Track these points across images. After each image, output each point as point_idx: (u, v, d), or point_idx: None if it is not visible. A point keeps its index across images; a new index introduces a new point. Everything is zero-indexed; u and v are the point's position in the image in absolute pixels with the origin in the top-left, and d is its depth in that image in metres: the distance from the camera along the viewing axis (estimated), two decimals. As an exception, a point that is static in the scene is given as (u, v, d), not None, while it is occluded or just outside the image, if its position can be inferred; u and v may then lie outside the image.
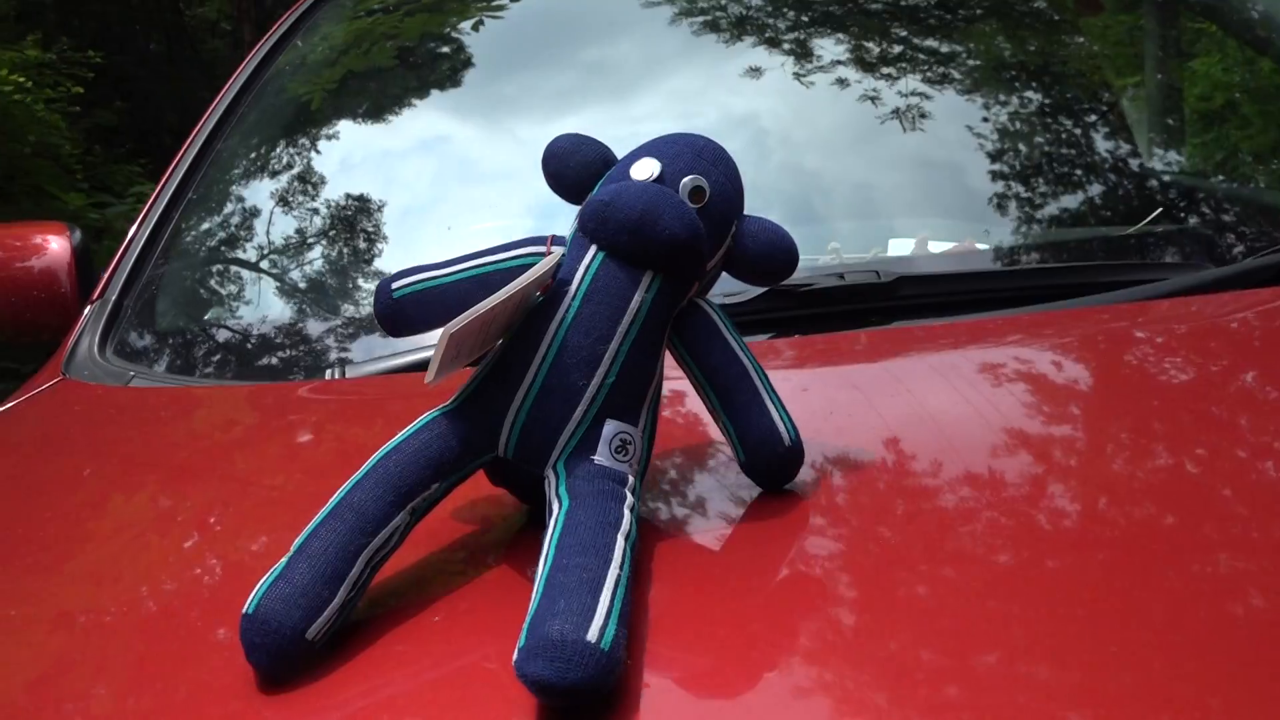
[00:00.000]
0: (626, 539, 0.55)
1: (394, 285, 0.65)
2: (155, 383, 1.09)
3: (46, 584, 0.73)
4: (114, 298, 1.23)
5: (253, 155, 1.54)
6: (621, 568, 0.52)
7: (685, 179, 0.63)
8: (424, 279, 0.65)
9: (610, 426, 0.60)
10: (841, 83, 1.38)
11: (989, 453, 0.72)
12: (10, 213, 3.64)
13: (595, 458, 0.59)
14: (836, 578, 0.58)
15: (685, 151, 0.65)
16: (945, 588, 0.55)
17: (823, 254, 1.16)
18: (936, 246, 1.17)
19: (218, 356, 1.19)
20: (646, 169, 0.64)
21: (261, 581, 0.54)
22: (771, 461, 0.62)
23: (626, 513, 0.57)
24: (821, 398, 0.84)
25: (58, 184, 3.48)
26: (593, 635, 0.47)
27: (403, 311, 0.65)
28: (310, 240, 1.37)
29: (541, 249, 0.65)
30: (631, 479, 0.60)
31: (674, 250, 0.61)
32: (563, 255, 0.63)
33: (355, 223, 1.39)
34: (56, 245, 1.41)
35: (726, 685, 0.50)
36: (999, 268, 1.09)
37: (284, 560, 0.55)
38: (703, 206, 0.63)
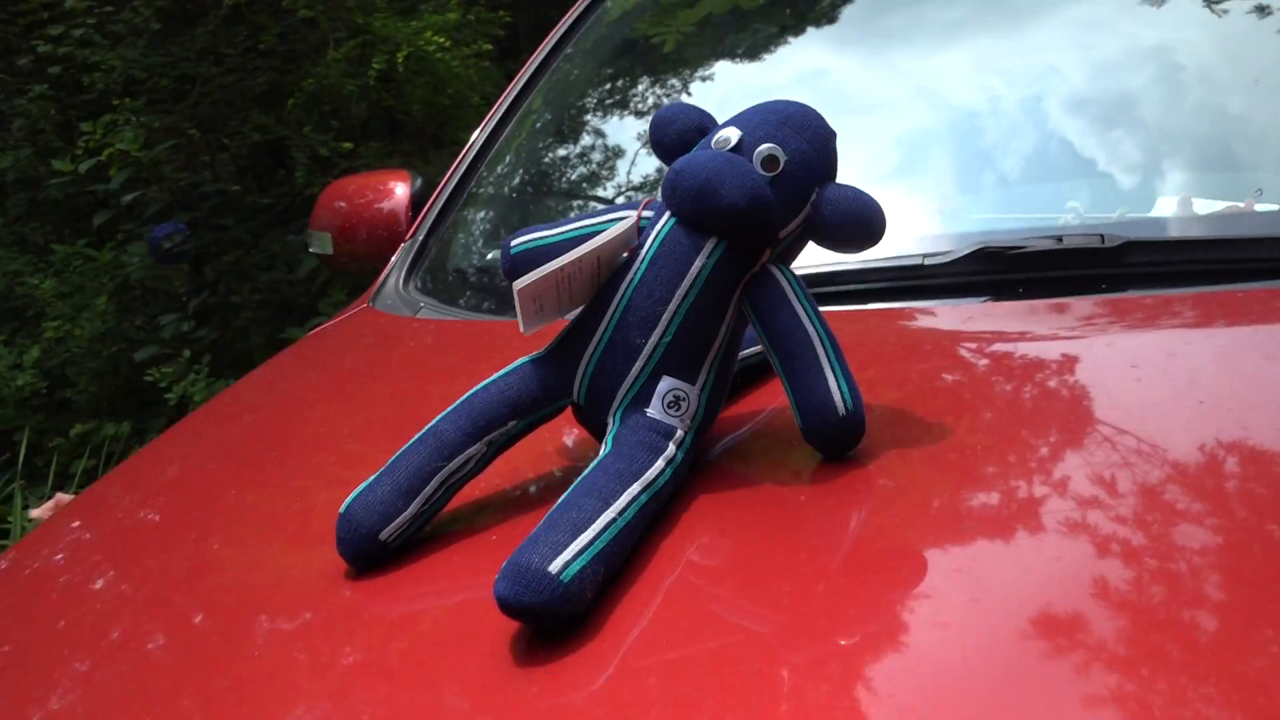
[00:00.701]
0: (647, 488, 0.60)
1: (513, 243, 0.73)
2: (438, 315, 1.26)
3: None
4: (421, 238, 1.43)
5: (573, 102, 1.65)
6: (622, 513, 0.57)
7: (761, 147, 0.65)
8: (535, 238, 0.72)
9: (665, 383, 0.64)
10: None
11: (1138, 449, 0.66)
12: (445, 157, 4.16)
13: (648, 410, 0.64)
14: (847, 558, 0.58)
15: (770, 119, 0.66)
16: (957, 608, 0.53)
17: (1062, 212, 1.07)
18: (1204, 207, 1.03)
19: (494, 293, 1.35)
20: (725, 137, 0.66)
21: (356, 489, 0.65)
22: (824, 429, 0.63)
23: (660, 464, 0.61)
24: (977, 367, 0.81)
25: (468, 132, 3.96)
26: (555, 567, 0.53)
27: (519, 267, 0.73)
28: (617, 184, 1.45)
29: (634, 213, 0.69)
30: (681, 433, 0.64)
31: (734, 218, 0.63)
32: (643, 220, 0.68)
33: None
34: (399, 190, 1.65)
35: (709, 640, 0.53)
36: (1244, 234, 0.95)
37: (376, 474, 0.66)
38: (777, 175, 0.64)
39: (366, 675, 0.56)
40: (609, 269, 0.68)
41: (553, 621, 0.53)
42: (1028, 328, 0.90)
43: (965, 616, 0.50)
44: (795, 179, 0.65)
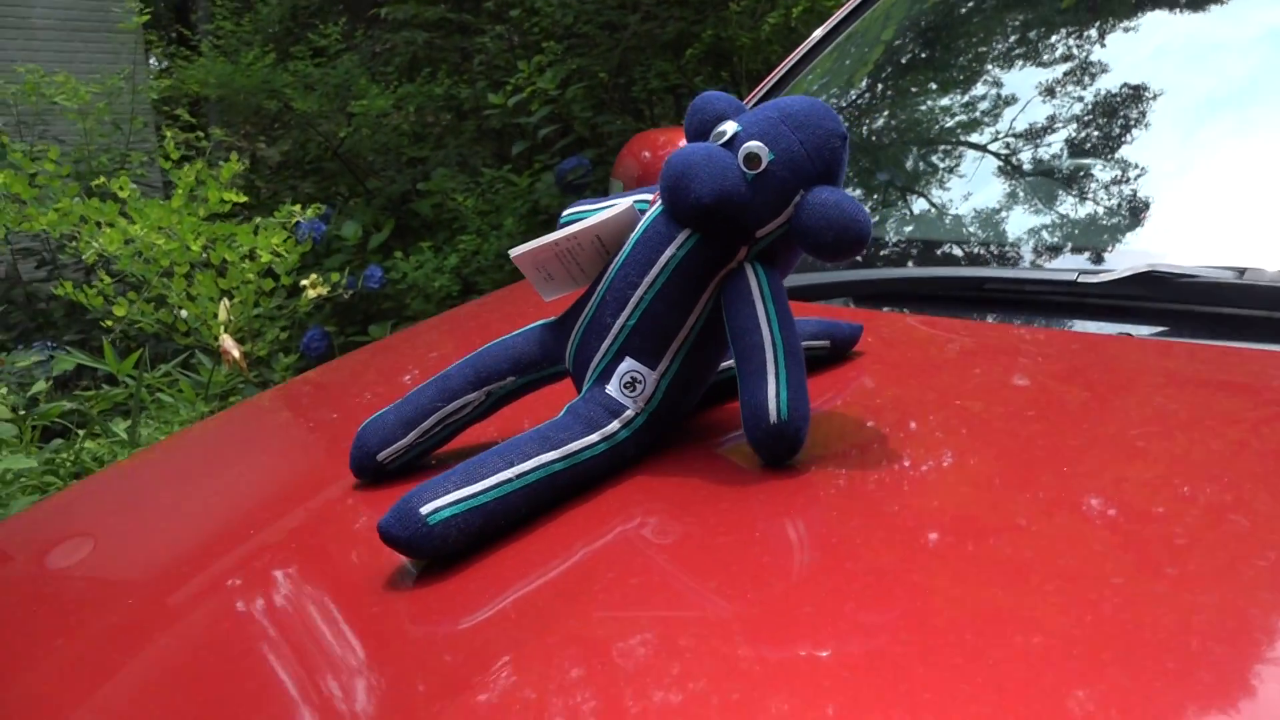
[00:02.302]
0: (567, 458, 0.63)
1: (564, 213, 0.78)
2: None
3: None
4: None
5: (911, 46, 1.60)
6: (522, 475, 0.62)
7: (746, 144, 0.64)
8: (579, 210, 0.76)
9: (626, 364, 0.67)
10: None
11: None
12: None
13: (607, 387, 0.67)
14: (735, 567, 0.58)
15: (771, 115, 0.65)
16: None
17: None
18: None
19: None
20: (722, 130, 0.66)
21: (374, 414, 0.75)
22: (754, 433, 0.62)
23: (593, 438, 0.65)
24: (1104, 400, 0.73)
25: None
26: (426, 509, 0.59)
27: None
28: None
29: (649, 196, 0.71)
30: (632, 414, 0.66)
31: (698, 213, 0.63)
32: (643, 205, 0.70)
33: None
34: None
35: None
36: None
37: (393, 404, 0.75)
38: (759, 173, 0.63)
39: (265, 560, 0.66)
40: (614, 246, 0.71)
41: (415, 556, 0.59)
42: (1193, 371, 0.78)
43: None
44: (777, 179, 0.63)
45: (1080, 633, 0.46)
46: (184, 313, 2.75)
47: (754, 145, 0.64)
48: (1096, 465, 0.62)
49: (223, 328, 2.78)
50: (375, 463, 0.73)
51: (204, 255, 2.58)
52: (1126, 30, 1.27)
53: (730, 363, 0.74)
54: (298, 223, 2.98)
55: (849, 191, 0.76)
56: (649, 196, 0.71)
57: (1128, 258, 0.89)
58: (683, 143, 0.68)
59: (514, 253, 0.69)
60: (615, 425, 0.66)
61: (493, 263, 4.26)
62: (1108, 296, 0.86)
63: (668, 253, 0.66)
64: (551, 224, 4.59)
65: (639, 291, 0.66)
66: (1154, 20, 1.25)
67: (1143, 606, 0.48)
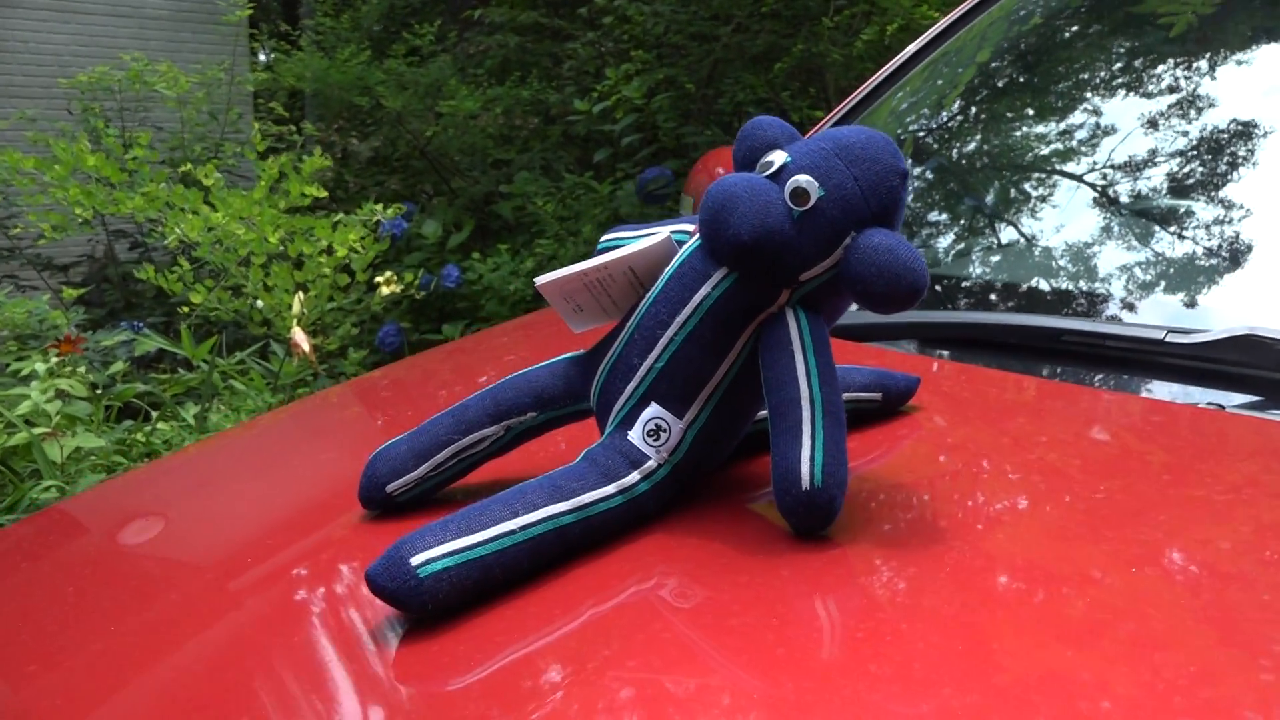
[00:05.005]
0: (578, 510, 0.58)
1: (603, 238, 0.73)
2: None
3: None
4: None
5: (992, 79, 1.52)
6: (526, 528, 0.56)
7: (795, 178, 0.58)
8: (616, 237, 0.71)
9: (651, 409, 0.61)
10: None
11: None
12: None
13: (629, 434, 0.62)
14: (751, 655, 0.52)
15: (824, 147, 0.59)
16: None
17: None
18: None
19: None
20: (770, 160, 0.60)
21: (386, 443, 0.71)
22: (785, 499, 0.56)
23: (609, 489, 0.59)
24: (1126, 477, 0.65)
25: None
26: (417, 560, 0.54)
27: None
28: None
29: (690, 227, 0.66)
30: (654, 465, 0.61)
31: (736, 251, 0.57)
32: (683, 235, 0.64)
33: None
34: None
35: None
36: None
37: (406, 433, 0.71)
38: (806, 210, 0.57)
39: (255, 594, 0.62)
40: (649, 279, 0.65)
41: (402, 610, 0.55)
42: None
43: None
44: (826, 218, 0.57)
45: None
46: (259, 303, 2.77)
47: (802, 179, 0.58)
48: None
49: (295, 320, 2.80)
50: (384, 494, 0.69)
51: (281, 247, 2.60)
52: (1240, 63, 1.17)
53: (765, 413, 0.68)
54: (378, 221, 2.99)
55: (918, 222, 0.70)
56: (689, 227, 0.66)
57: (1225, 317, 0.80)
58: (720, 170, 0.62)
59: (539, 281, 0.64)
60: (635, 477, 0.60)
61: (569, 269, 4.24)
62: (1199, 359, 0.77)
63: (702, 292, 0.60)
64: (630, 233, 4.55)
65: (669, 332, 0.61)
66: (1268, 54, 1.15)
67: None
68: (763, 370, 0.59)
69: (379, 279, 3.05)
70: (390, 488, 0.68)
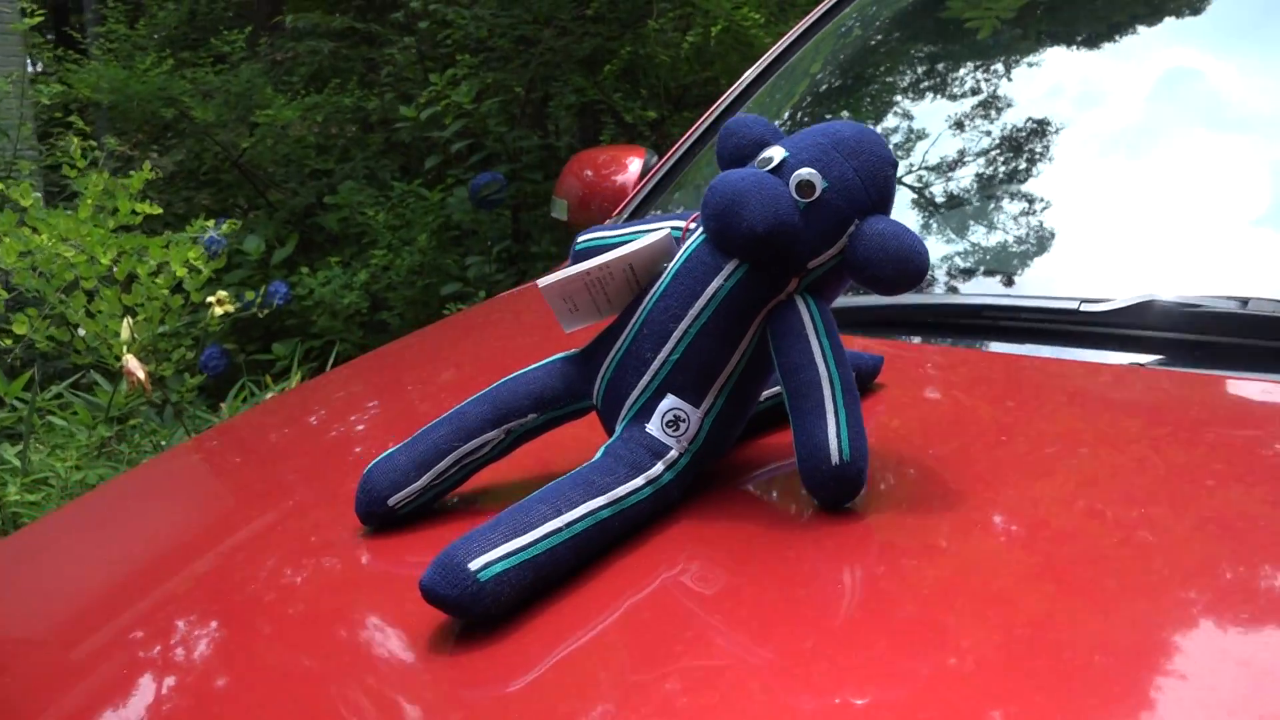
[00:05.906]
0: (614, 504, 0.59)
1: (580, 239, 0.74)
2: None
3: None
4: (626, 214, 1.46)
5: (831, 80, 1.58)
6: (570, 525, 0.57)
7: (799, 171, 0.61)
8: (597, 236, 0.73)
9: (668, 401, 0.63)
10: None
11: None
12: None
13: (648, 426, 0.63)
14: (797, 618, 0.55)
15: (821, 141, 0.62)
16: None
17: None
18: None
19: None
20: (768, 156, 0.63)
21: (380, 455, 0.69)
22: (815, 477, 0.59)
23: (638, 482, 0.61)
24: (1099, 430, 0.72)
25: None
26: (476, 565, 0.54)
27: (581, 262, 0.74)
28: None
29: (682, 224, 0.68)
30: (676, 454, 0.63)
31: (751, 243, 0.60)
32: (677, 232, 0.66)
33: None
34: (633, 165, 1.69)
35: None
36: None
37: (401, 444, 0.70)
38: (812, 201, 0.61)
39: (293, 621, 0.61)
40: (646, 276, 0.67)
41: (465, 616, 0.55)
42: (1192, 402, 0.78)
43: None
44: (832, 208, 0.61)
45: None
46: (81, 331, 2.59)
47: (807, 173, 0.61)
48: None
49: (125, 347, 2.63)
50: (385, 508, 0.67)
51: (111, 269, 2.43)
52: (1120, 60, 1.29)
53: (769, 393, 0.71)
54: (204, 237, 2.84)
55: None
56: (681, 224, 0.68)
57: (1131, 286, 0.89)
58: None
59: (542, 284, 0.65)
60: (659, 468, 0.62)
61: (404, 279, 4.16)
62: (1110, 325, 0.86)
63: (714, 284, 0.62)
64: (466, 240, 4.51)
65: (682, 325, 0.63)
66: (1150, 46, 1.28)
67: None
68: (777, 356, 0.62)
69: (211, 298, 2.90)
70: (392, 500, 0.67)
